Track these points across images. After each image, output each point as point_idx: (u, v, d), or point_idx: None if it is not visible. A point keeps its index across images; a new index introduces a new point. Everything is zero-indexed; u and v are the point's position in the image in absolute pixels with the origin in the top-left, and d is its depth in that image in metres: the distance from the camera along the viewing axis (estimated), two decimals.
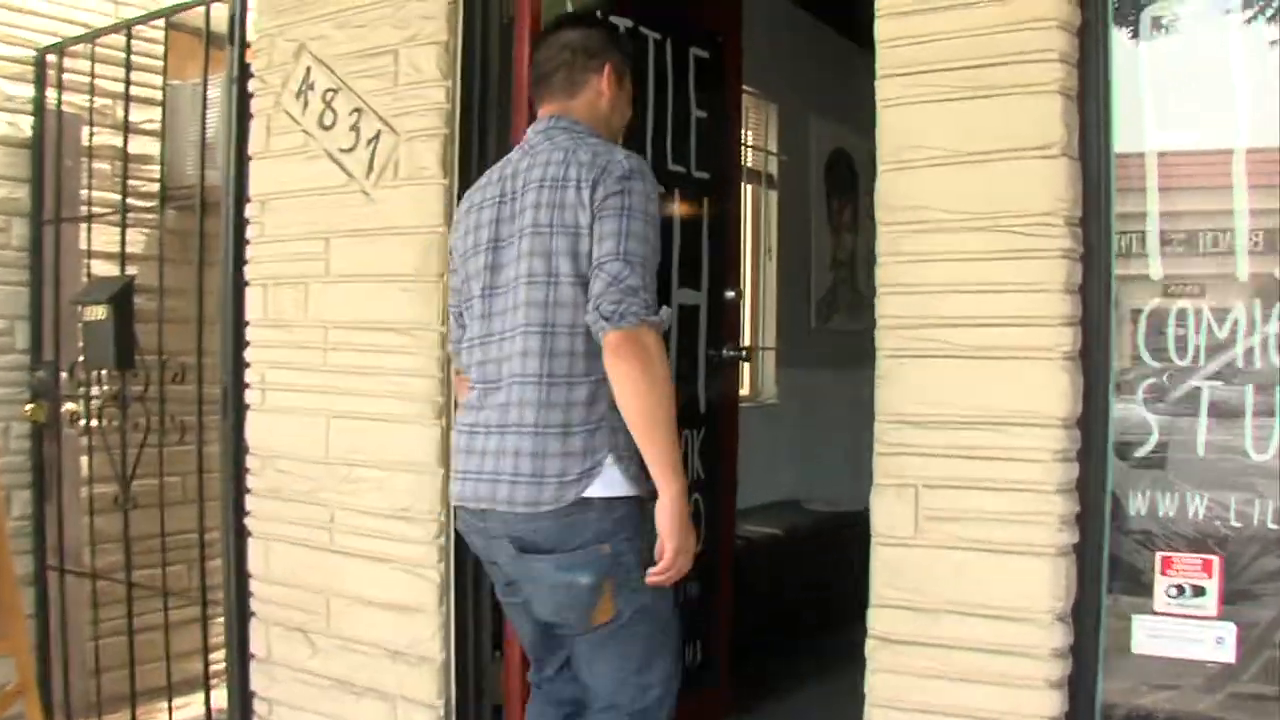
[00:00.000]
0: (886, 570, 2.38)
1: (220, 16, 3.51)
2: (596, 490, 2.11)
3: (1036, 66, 2.22)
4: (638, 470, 2.14)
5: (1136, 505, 2.29)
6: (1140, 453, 2.30)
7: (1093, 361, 2.25)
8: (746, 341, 5.01)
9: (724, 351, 3.75)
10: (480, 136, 3.05)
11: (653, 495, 2.14)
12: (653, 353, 2.07)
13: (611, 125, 2.41)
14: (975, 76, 2.28)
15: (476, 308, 2.29)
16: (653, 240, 2.16)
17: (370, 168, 3.11)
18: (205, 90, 3.70)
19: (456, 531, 2.62)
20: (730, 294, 3.79)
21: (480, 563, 2.54)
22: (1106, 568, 2.26)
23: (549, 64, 2.36)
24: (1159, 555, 2.22)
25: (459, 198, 2.77)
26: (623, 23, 3.33)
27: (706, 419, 3.68)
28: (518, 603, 2.34)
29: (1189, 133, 2.28)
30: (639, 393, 2.06)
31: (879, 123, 2.42)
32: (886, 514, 2.38)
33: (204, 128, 3.82)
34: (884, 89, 2.40)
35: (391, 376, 3.07)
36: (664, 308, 2.17)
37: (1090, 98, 2.24)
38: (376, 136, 3.10)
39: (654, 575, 2.13)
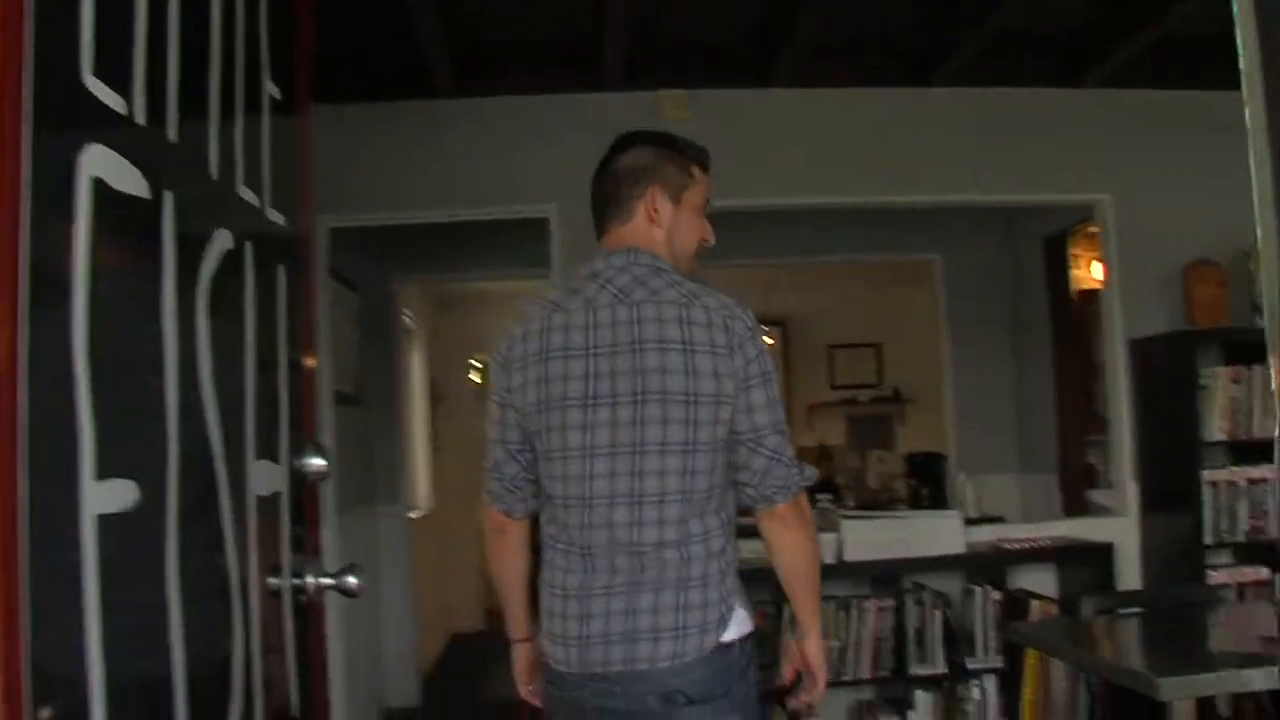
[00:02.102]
0: None
1: None
2: (732, 633, 2.12)
3: None
4: (748, 601, 2.19)
5: None
6: None
7: None
8: None
9: (309, 578, 1.82)
10: None
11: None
12: (809, 516, 2.19)
13: (677, 250, 2.27)
14: None
15: (573, 467, 2.14)
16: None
17: None
18: None
19: None
20: (317, 462, 1.86)
21: None
22: None
23: (601, 191, 2.29)
24: None
25: None
26: None
27: None
28: None
29: None
30: (803, 554, 2.19)
31: None
32: None
33: None
34: None
35: None
36: (809, 466, 2.22)
37: None
38: None
39: (806, 699, 2.30)
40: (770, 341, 9.24)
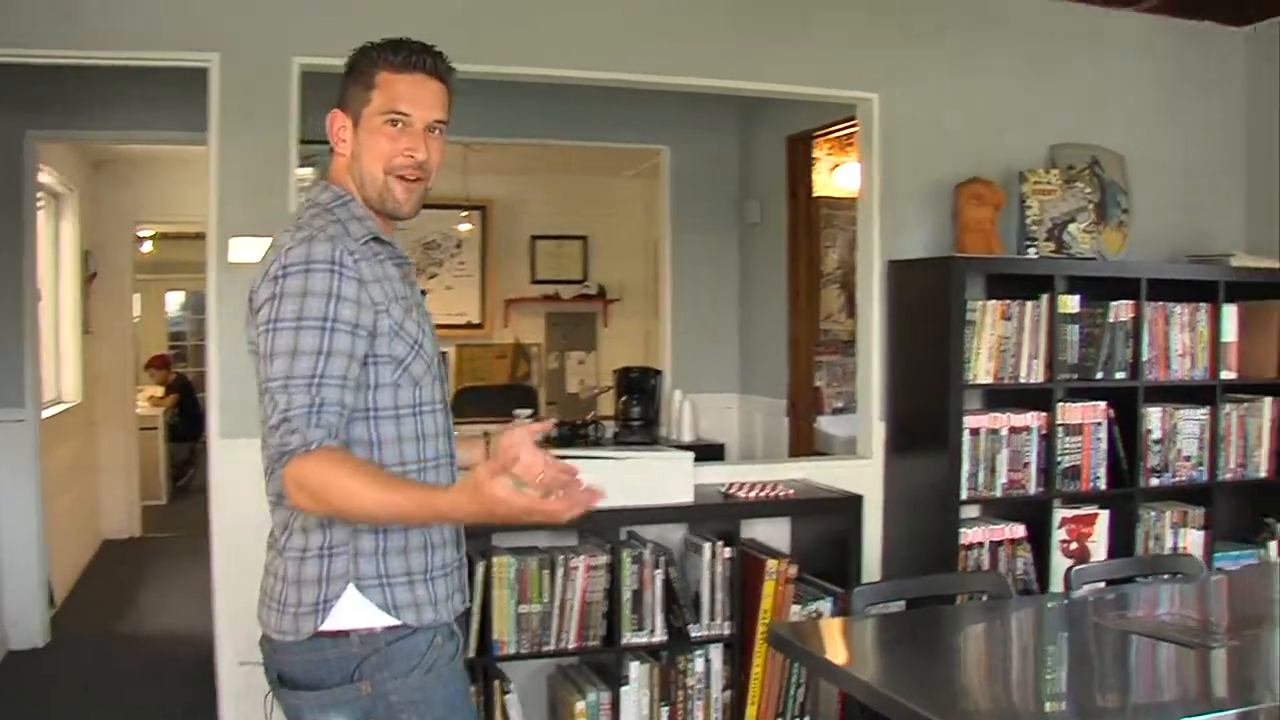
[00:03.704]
0: None
1: None
2: (344, 622, 1.88)
3: None
4: (408, 596, 1.92)
5: None
6: None
7: None
8: None
9: None
10: None
11: (446, 624, 2.01)
12: (310, 483, 1.76)
13: (362, 178, 1.99)
14: None
15: None
16: (310, 344, 1.80)
17: None
18: None
19: None
20: None
21: None
22: None
23: None
24: None
25: None
26: None
27: None
28: None
29: None
30: (339, 516, 1.84)
31: None
32: None
33: None
34: None
35: None
36: (303, 433, 1.78)
37: None
38: None
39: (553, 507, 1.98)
40: (467, 229, 8.34)
